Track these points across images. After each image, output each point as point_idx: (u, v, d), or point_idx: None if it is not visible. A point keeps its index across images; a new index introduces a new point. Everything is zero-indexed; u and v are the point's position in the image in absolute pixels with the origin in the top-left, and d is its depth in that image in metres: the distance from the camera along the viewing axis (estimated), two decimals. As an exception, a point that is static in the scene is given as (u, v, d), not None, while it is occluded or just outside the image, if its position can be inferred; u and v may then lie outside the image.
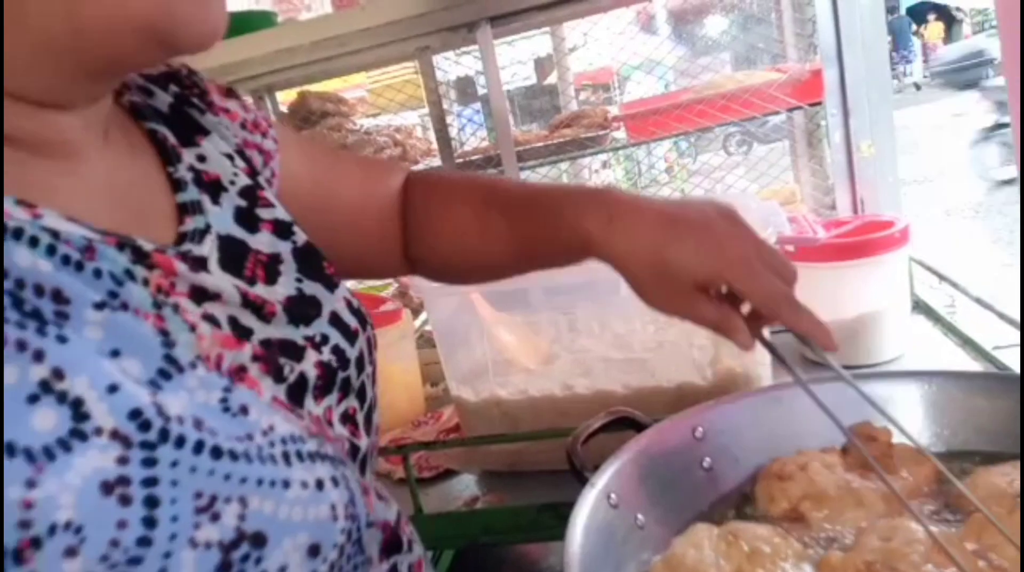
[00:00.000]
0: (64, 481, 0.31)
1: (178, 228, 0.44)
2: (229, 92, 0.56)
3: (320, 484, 0.41)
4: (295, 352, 0.46)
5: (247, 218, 0.48)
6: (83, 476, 0.32)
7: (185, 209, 0.45)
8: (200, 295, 0.42)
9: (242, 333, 0.43)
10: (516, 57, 1.56)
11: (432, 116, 1.31)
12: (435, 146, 1.38)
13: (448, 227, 0.64)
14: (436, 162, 1.42)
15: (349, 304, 0.52)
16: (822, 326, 0.56)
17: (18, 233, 0.34)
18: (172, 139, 0.48)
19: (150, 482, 0.34)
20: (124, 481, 0.33)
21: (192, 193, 0.46)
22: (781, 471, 0.64)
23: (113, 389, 0.34)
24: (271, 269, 0.48)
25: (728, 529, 0.59)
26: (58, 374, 0.32)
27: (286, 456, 0.40)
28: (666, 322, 1.00)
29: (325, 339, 0.48)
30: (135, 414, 0.34)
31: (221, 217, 0.47)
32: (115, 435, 0.33)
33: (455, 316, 1.04)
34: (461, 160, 1.38)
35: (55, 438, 0.31)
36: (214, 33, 0.41)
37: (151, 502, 0.33)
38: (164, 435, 0.35)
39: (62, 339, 0.33)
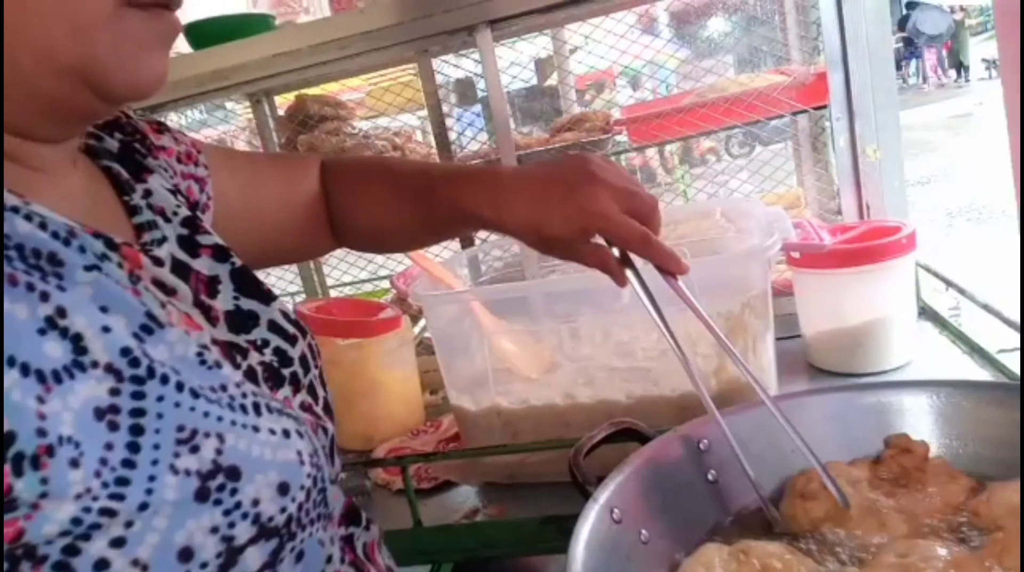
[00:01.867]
0: (66, 402, 0.36)
1: (138, 240, 0.51)
2: (161, 127, 0.62)
3: (287, 433, 0.46)
4: (240, 351, 0.51)
5: (189, 245, 0.54)
6: (82, 400, 0.37)
7: (142, 227, 0.52)
8: (161, 287, 0.48)
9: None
10: (517, 59, 1.55)
11: (431, 120, 1.29)
12: (435, 150, 1.36)
13: (364, 206, 0.74)
14: (436, 167, 1.40)
15: (286, 316, 0.57)
16: (673, 255, 0.67)
17: (15, 209, 0.39)
18: (125, 174, 0.54)
19: (137, 413, 0.39)
20: (114, 409, 0.38)
21: (147, 215, 0.52)
22: (804, 489, 0.63)
23: (106, 329, 0.39)
24: (212, 287, 0.53)
25: (739, 547, 0.58)
26: (61, 312, 0.38)
27: (256, 406, 0.45)
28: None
29: (266, 342, 0.54)
30: (126, 352, 0.40)
31: (170, 240, 0.53)
32: (109, 368, 0.39)
33: (454, 324, 1.03)
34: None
35: (61, 365, 0.37)
36: (151, 84, 0.44)
37: (136, 430, 0.39)
38: (151, 372, 0.40)
39: (61, 288, 0.38)
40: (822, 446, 0.70)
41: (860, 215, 1.20)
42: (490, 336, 1.01)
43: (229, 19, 1.39)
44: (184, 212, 0.56)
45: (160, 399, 0.40)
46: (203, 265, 0.53)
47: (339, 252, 1.76)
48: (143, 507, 0.38)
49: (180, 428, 0.40)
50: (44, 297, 0.37)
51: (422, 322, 1.39)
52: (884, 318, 1.04)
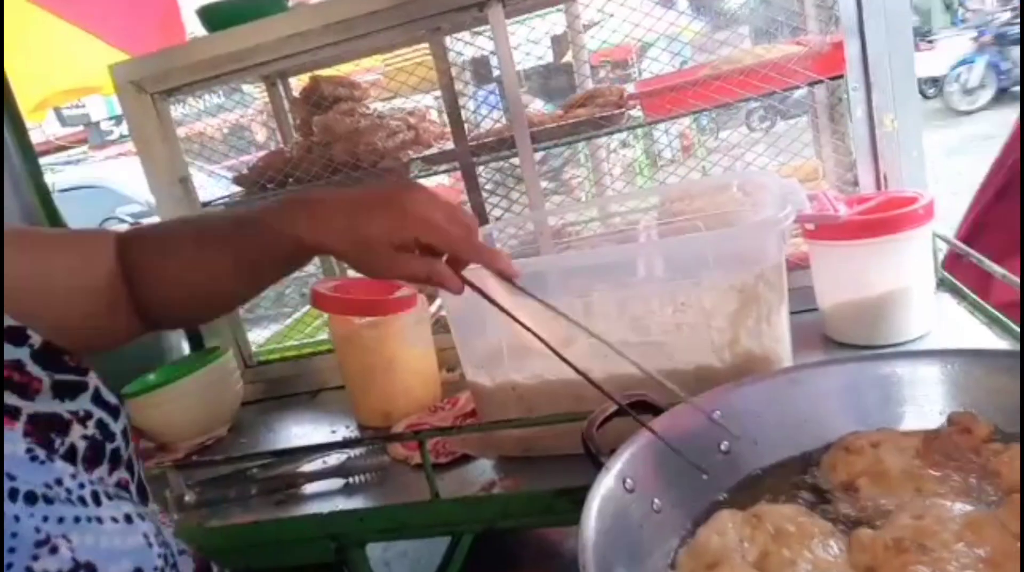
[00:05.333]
0: None
1: None
2: None
3: (129, 518, 0.48)
4: (62, 426, 0.50)
5: None
6: None
7: None
8: None
9: (12, 413, 0.47)
10: (532, 36, 1.53)
11: (444, 99, 1.29)
12: (449, 129, 1.36)
13: (172, 275, 0.68)
14: (449, 145, 1.40)
15: (105, 388, 0.55)
16: (502, 258, 0.68)
17: None
18: None
19: None
20: None
21: None
22: (852, 444, 0.63)
23: None
24: (21, 370, 0.50)
25: (752, 512, 0.58)
26: None
27: (95, 496, 0.47)
28: (684, 304, 0.99)
29: (89, 414, 0.52)
30: None
31: None
32: None
33: (469, 301, 1.03)
34: (475, 143, 1.37)
35: None
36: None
37: None
38: None
39: None
40: (837, 418, 0.70)
41: (877, 186, 1.19)
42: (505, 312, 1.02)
43: (243, 1, 1.39)
44: None
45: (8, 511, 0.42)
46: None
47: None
48: None
49: (37, 530, 0.42)
50: None
51: (438, 301, 1.40)
52: (901, 289, 1.03)
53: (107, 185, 6.75)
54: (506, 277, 0.70)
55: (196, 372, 1.33)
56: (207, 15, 1.42)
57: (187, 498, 1.09)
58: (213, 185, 1.68)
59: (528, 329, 0.71)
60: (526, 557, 1.38)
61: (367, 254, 0.63)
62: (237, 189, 1.54)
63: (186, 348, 1.65)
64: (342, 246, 0.63)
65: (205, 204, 1.50)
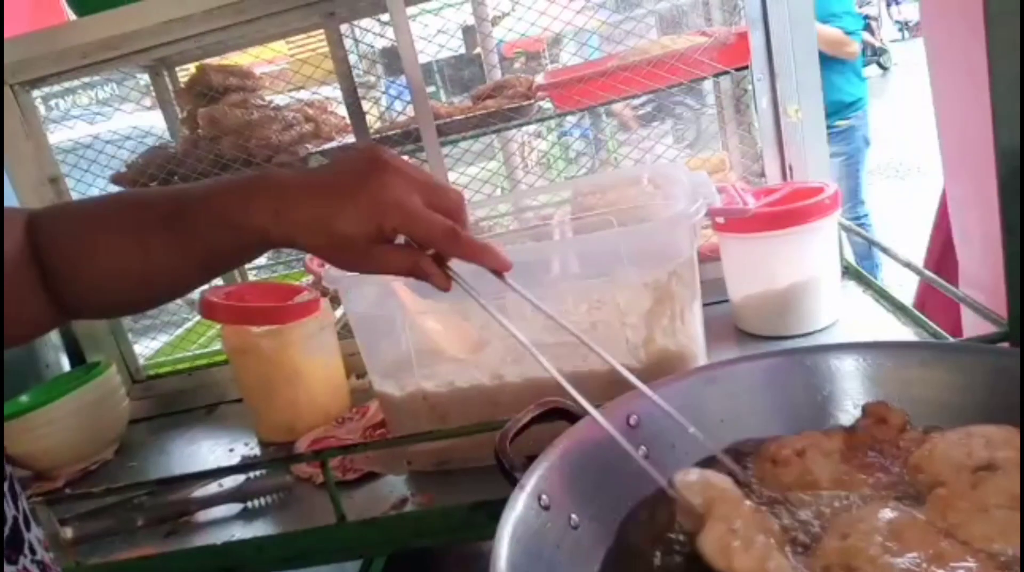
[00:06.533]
0: None
1: None
2: None
3: None
4: None
5: None
6: None
7: None
8: None
9: None
10: (444, 27, 1.48)
11: (343, 89, 1.21)
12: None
13: (98, 252, 0.59)
14: (351, 138, 1.33)
15: None
16: (490, 251, 0.59)
17: None
18: None
19: None
20: None
21: None
22: (777, 455, 0.60)
23: None
24: None
25: None
26: None
27: None
28: (599, 301, 0.96)
29: None
30: None
31: None
32: None
33: (375, 306, 0.97)
34: (378, 136, 1.30)
35: None
36: None
37: None
38: None
39: None
40: (754, 416, 0.69)
41: (783, 177, 1.20)
42: (413, 317, 0.96)
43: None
44: None
45: None
46: None
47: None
48: None
49: None
50: None
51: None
52: (810, 279, 1.04)
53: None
54: (498, 273, 0.62)
55: (75, 390, 1.21)
56: (74, -3, 1.29)
57: (63, 535, 0.98)
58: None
59: (512, 333, 0.64)
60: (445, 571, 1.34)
61: (342, 250, 0.56)
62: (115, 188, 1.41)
63: (66, 364, 1.51)
64: (314, 241, 0.55)
65: (80, 206, 1.36)
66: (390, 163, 0.56)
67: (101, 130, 1.48)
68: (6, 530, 0.50)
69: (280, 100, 1.50)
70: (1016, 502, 0.48)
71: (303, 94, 1.57)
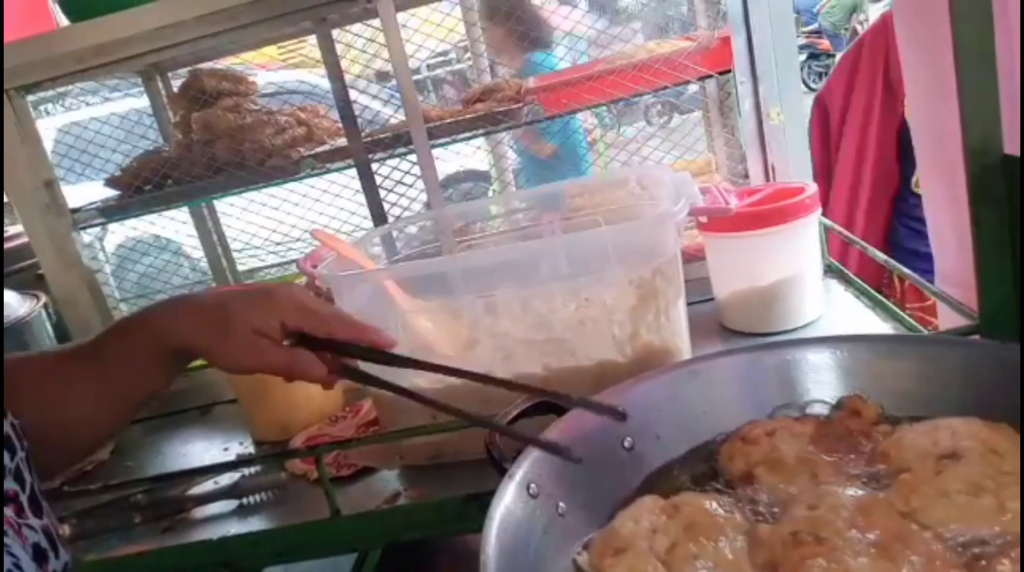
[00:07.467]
0: None
1: None
2: None
3: None
4: None
5: None
6: None
7: None
8: None
9: None
10: (433, 31, 1.50)
11: (334, 92, 1.23)
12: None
13: (66, 410, 0.64)
14: (342, 141, 1.35)
15: None
16: (376, 330, 0.69)
17: None
18: None
19: None
20: None
21: None
22: (748, 434, 0.63)
23: None
24: None
25: (672, 502, 0.58)
26: None
27: None
28: (587, 300, 0.98)
29: None
30: None
31: None
32: None
33: (368, 306, 0.99)
34: (369, 139, 1.32)
35: None
36: None
37: None
38: None
39: None
40: (733, 406, 0.71)
41: (766, 177, 1.23)
42: (405, 315, 0.98)
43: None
44: None
45: None
46: None
47: (244, 236, 1.69)
48: None
49: None
50: None
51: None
52: (792, 277, 1.07)
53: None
54: (379, 348, 0.70)
55: (70, 393, 1.22)
56: (69, 4, 1.30)
57: (61, 532, 0.99)
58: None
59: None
60: (441, 564, 1.35)
61: (226, 342, 0.63)
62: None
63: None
64: (204, 340, 0.63)
65: (75, 210, 1.38)
66: (296, 285, 0.69)
67: (95, 134, 1.49)
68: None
69: (272, 104, 1.52)
70: (975, 489, 0.50)
71: (295, 98, 1.60)
